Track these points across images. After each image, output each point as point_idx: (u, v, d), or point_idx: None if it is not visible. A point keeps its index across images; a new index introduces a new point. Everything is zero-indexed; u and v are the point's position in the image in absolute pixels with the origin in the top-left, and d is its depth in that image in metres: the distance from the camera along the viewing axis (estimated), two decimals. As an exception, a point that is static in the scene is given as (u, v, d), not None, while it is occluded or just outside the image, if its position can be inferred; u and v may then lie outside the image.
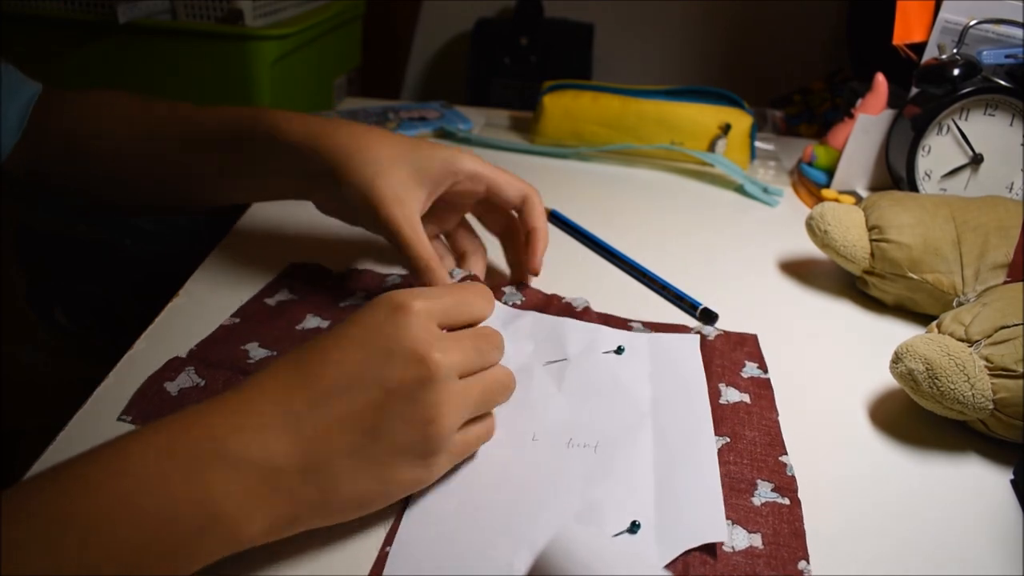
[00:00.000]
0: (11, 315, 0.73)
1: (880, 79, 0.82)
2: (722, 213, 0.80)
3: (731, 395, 0.49)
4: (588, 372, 0.49)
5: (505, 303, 0.56)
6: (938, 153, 0.75)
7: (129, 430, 0.34)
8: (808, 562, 0.38)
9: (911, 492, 0.44)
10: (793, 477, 0.43)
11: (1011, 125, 0.73)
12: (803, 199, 0.84)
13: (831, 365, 0.55)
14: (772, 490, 0.42)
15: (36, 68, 0.61)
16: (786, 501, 0.41)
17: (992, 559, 0.40)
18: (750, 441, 0.45)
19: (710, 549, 0.38)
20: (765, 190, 0.83)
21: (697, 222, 0.77)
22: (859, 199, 0.79)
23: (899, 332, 0.59)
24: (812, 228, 0.63)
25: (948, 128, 0.74)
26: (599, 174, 0.87)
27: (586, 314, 0.56)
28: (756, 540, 0.39)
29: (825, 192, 0.80)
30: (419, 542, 0.37)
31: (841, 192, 0.81)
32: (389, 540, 0.37)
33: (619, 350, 0.51)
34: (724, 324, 0.58)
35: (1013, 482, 0.45)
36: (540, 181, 0.83)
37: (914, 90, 0.79)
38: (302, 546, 0.36)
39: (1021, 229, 0.57)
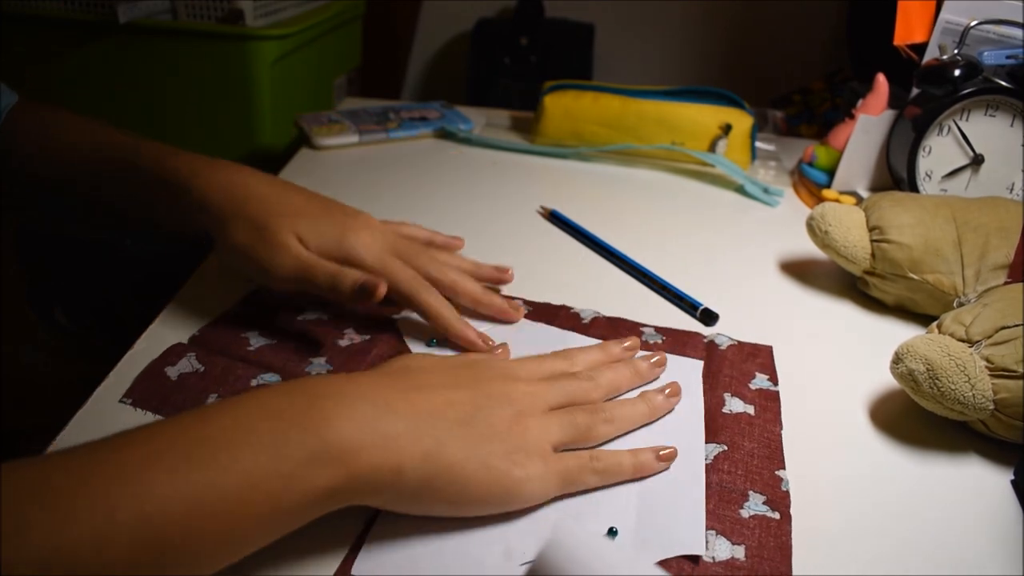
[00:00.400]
0: (11, 315, 0.73)
1: (881, 79, 0.82)
2: (722, 213, 0.80)
3: (735, 405, 0.48)
4: None
5: None
6: (939, 154, 0.75)
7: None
8: None
9: (911, 492, 0.44)
10: (787, 492, 0.42)
11: (1012, 126, 0.73)
12: (804, 199, 0.84)
13: (831, 365, 0.55)
14: (763, 503, 0.41)
15: (36, 68, 0.60)
16: (776, 516, 0.40)
17: (992, 559, 0.40)
18: (747, 452, 0.44)
19: (690, 556, 0.37)
20: (766, 190, 0.83)
21: (697, 222, 0.77)
22: (860, 199, 0.79)
23: (899, 332, 0.59)
24: (813, 228, 0.63)
25: (949, 129, 0.74)
26: (599, 174, 0.87)
27: (594, 325, 0.55)
28: (739, 552, 0.38)
29: (826, 192, 0.80)
30: (393, 538, 0.37)
31: (842, 192, 0.81)
32: (363, 535, 0.37)
33: None
34: (724, 324, 0.58)
35: (1013, 482, 0.45)
36: (540, 181, 0.84)
37: (915, 91, 0.79)
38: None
39: (1022, 230, 0.57)
